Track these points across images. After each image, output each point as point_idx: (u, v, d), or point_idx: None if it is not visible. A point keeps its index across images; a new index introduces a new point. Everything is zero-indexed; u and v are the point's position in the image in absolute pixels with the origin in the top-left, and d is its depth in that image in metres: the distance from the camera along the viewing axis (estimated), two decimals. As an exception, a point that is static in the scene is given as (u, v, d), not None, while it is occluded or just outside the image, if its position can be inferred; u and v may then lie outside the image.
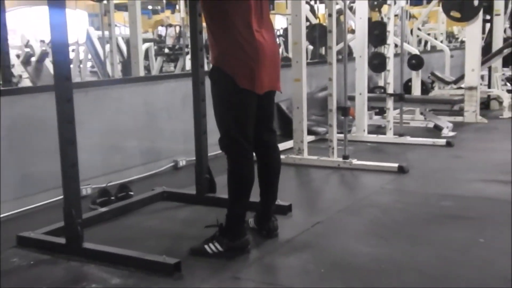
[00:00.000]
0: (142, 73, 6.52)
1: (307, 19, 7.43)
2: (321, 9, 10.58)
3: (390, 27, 6.20)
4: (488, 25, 8.54)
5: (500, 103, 7.86)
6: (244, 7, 2.93)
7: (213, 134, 3.28)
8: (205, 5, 3.07)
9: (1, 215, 3.57)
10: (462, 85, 7.38)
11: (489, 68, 8.17)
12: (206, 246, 2.90)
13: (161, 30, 15.94)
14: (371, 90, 6.60)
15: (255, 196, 3.17)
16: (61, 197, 2.98)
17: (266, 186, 3.19)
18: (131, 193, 3.95)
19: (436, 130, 6.38)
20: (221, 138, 3.03)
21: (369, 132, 6.12)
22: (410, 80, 7.62)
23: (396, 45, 6.29)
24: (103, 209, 3.61)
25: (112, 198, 3.84)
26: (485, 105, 7.96)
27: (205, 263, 2.81)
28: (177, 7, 9.56)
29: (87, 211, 3.47)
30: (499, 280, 2.55)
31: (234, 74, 2.89)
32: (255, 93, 2.95)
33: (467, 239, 3.09)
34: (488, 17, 8.27)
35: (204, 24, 3.48)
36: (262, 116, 3.17)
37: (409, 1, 7.09)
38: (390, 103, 6.13)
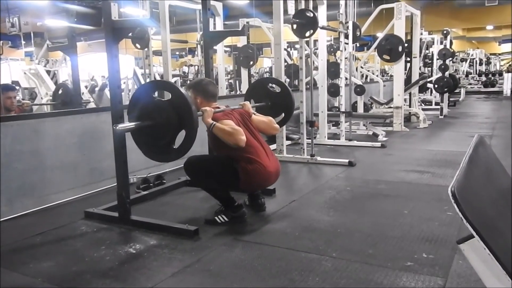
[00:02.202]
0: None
1: (285, 61, 7.42)
2: (294, 53, 10.60)
3: (342, 66, 6.21)
4: (408, 64, 8.58)
5: (417, 117, 7.89)
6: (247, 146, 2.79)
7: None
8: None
9: (74, 197, 3.55)
10: (391, 105, 7.39)
11: (410, 94, 8.19)
12: (216, 218, 2.89)
13: (185, 68, 15.93)
14: (329, 109, 6.59)
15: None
16: (115, 184, 2.96)
17: None
18: (164, 181, 3.91)
19: (374, 136, 6.39)
20: (189, 167, 2.91)
21: (329, 138, 6.10)
22: (356, 102, 7.63)
23: (346, 78, 6.29)
24: (145, 192, 3.59)
25: (151, 184, 3.80)
26: (407, 119, 7.98)
27: (216, 229, 2.80)
28: (196, 52, 9.55)
29: (133, 194, 3.45)
30: (417, 238, 2.56)
31: (242, 181, 2.82)
32: None
33: (395, 211, 3.09)
34: (408, 59, 8.31)
35: (214, 64, 3.49)
36: None
37: (354, 48, 7.07)
38: (342, 118, 6.13)
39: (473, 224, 0.91)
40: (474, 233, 0.92)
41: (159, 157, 2.83)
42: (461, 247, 1.00)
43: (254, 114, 3.18)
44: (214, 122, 2.80)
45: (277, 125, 3.26)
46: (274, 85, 3.79)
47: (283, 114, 3.67)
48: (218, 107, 3.02)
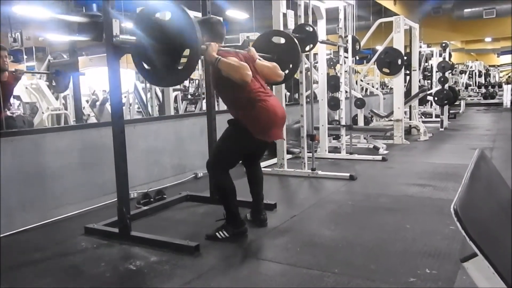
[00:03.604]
0: (172, 112, 6.51)
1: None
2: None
3: (342, 79, 6.24)
4: (408, 77, 8.61)
5: (418, 130, 7.89)
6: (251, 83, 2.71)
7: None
8: (220, 84, 2.86)
9: (74, 212, 3.54)
10: (392, 118, 7.40)
11: (410, 106, 8.21)
12: (217, 233, 2.86)
13: (186, 82, 15.95)
14: (330, 122, 6.60)
15: (249, 197, 3.17)
16: (115, 199, 2.95)
17: (255, 191, 3.15)
18: (165, 196, 3.89)
19: (375, 150, 6.38)
20: (211, 163, 2.92)
21: (329, 152, 6.09)
22: (356, 115, 7.64)
23: (346, 92, 6.31)
24: (145, 207, 3.57)
25: (152, 199, 3.78)
26: (407, 131, 7.98)
27: (216, 245, 2.78)
28: (197, 66, 9.62)
29: (134, 209, 3.43)
30: (420, 253, 2.54)
31: (253, 131, 2.75)
32: (264, 141, 2.86)
33: (397, 224, 3.08)
34: (408, 71, 8.35)
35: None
36: (258, 153, 3.16)
37: (354, 62, 7.11)
38: (343, 131, 6.13)
39: (477, 242, 0.90)
40: (478, 252, 0.91)
41: (163, 81, 2.65)
42: (464, 266, 0.99)
43: (259, 59, 3.03)
44: (219, 57, 2.62)
45: (281, 72, 3.05)
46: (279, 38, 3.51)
47: (290, 66, 3.41)
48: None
